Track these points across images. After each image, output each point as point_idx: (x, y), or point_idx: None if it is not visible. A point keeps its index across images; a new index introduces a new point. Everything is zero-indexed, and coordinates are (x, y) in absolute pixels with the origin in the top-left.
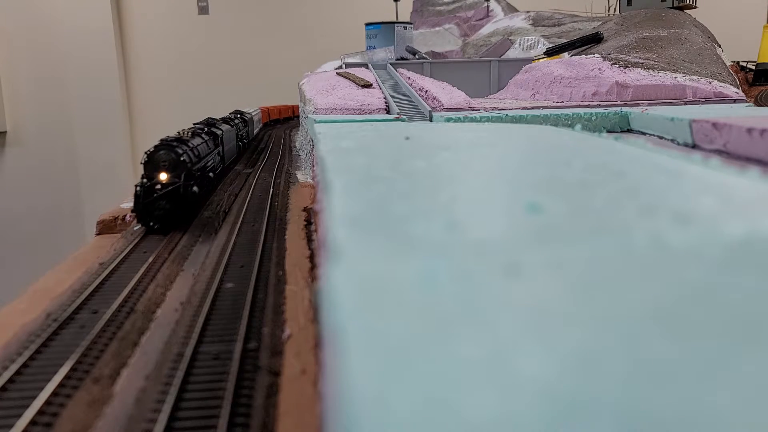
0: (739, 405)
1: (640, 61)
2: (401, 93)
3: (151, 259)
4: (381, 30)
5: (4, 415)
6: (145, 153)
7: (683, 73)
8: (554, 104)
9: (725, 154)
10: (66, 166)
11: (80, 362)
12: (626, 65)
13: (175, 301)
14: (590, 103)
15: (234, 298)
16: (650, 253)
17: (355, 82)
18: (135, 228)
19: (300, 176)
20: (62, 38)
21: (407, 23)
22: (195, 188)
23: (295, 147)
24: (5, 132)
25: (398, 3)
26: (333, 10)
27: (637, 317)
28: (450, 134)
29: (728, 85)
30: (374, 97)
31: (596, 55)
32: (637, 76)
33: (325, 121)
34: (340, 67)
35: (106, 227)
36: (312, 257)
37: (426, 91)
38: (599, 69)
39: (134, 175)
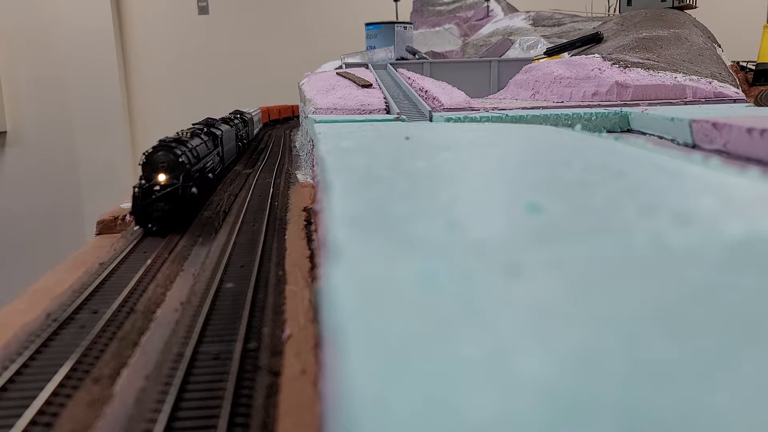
0: (739, 405)
1: (640, 61)
2: (401, 93)
3: (151, 259)
4: (381, 30)
5: (4, 415)
6: (144, 154)
7: (683, 73)
8: (554, 104)
9: (725, 154)
10: (66, 166)
11: (80, 362)
12: (626, 65)
13: (175, 301)
14: (590, 103)
15: (234, 298)
16: (650, 253)
17: (355, 82)
18: (135, 228)
19: (300, 176)
20: (62, 38)
21: (407, 23)
22: (194, 189)
23: (295, 147)
24: (5, 132)
25: (398, 3)
26: (333, 10)
27: (637, 317)
28: (450, 134)
29: (728, 85)
30: (374, 97)
31: (596, 55)
32: (637, 76)
33: (325, 121)
34: (340, 67)
35: (106, 227)
36: (312, 257)
37: (426, 91)
38: (599, 69)
39: (134, 175)
